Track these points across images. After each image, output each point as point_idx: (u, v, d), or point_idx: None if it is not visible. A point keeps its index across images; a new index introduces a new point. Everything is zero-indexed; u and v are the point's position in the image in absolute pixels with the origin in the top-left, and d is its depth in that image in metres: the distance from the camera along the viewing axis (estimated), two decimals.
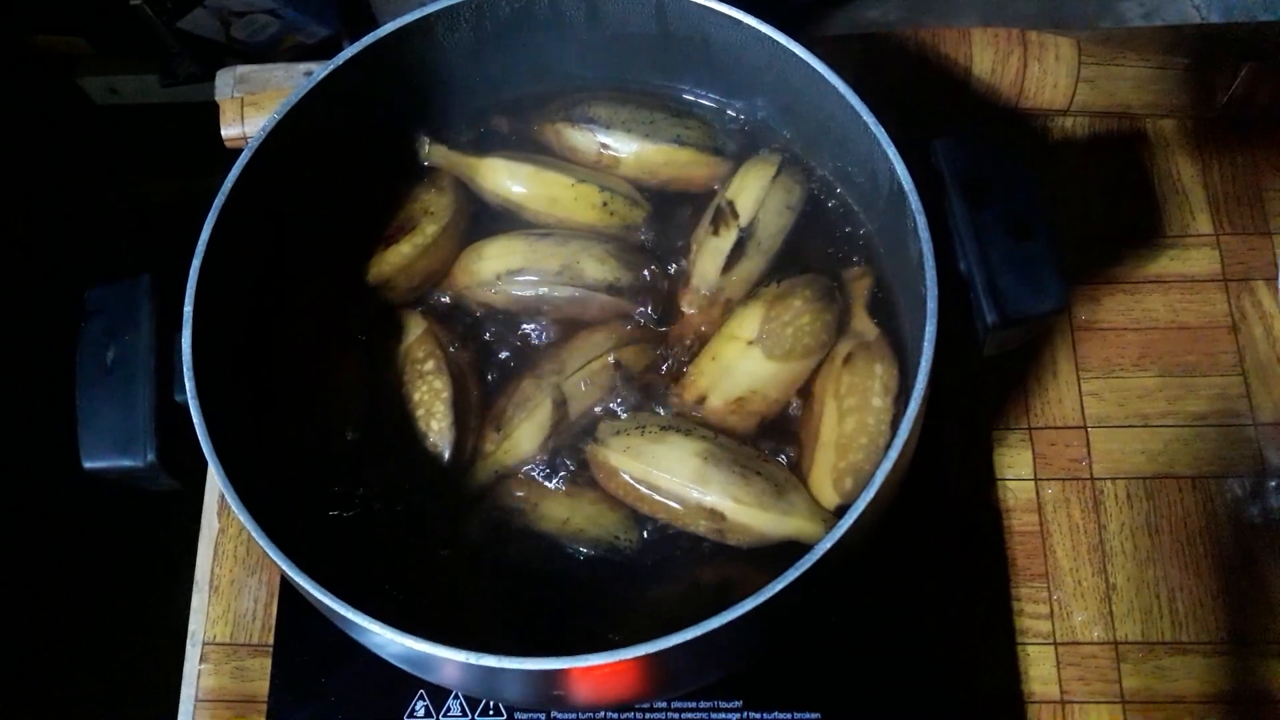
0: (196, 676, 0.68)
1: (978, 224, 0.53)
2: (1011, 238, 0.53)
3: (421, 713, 0.64)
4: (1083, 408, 0.72)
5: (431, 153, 0.67)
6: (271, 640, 0.67)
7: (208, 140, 0.80)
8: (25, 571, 1.14)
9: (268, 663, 0.67)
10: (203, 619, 0.69)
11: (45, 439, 0.71)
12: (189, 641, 0.69)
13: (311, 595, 0.48)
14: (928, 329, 0.49)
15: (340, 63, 0.58)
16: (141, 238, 1.35)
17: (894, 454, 0.47)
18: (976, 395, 0.73)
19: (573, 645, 0.46)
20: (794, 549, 0.55)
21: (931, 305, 0.49)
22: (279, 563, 0.48)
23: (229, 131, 0.78)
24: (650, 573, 0.57)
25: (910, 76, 0.77)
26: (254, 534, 0.48)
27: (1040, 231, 0.53)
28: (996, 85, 0.77)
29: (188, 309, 0.53)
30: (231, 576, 0.71)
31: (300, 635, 0.66)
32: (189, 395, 0.51)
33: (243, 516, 0.49)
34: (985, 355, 0.55)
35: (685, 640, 0.45)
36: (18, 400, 1.12)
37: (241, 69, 0.79)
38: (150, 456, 0.53)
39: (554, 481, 0.60)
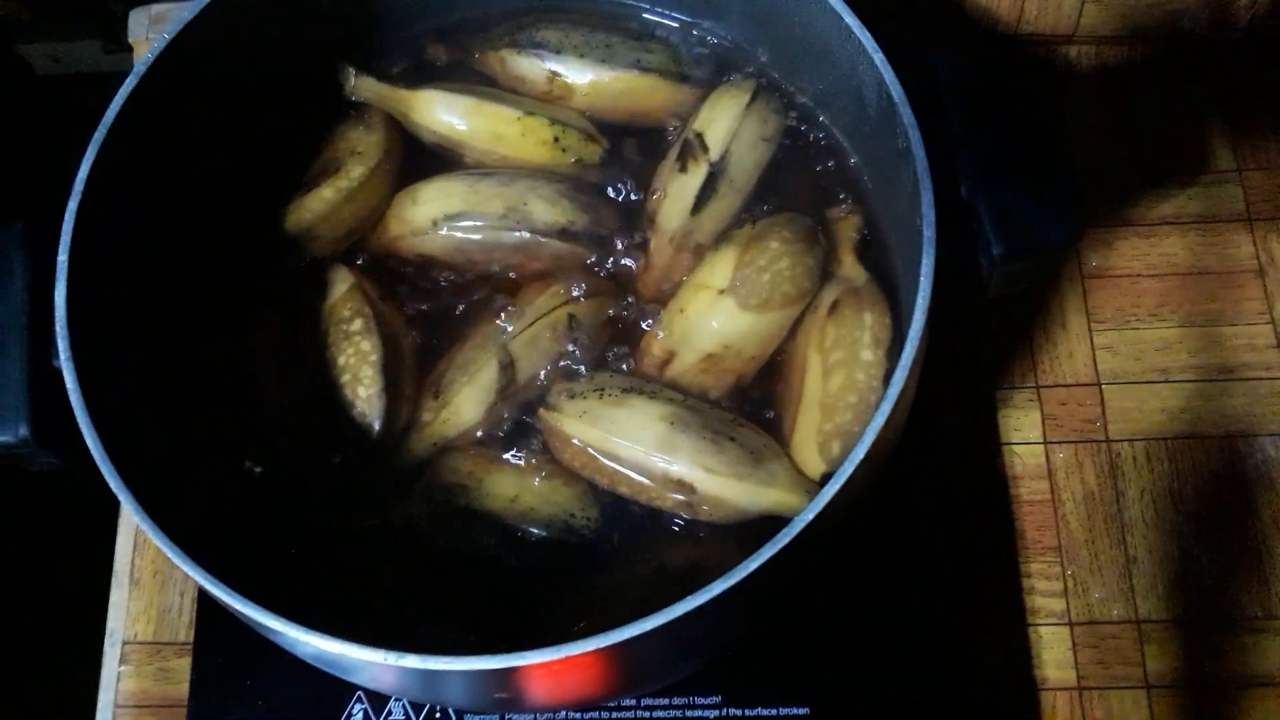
0: (116, 679, 0.64)
1: (980, 142, 0.47)
2: (1020, 156, 0.46)
3: (360, 716, 0.58)
4: (1095, 363, 0.68)
5: (358, 86, 0.62)
6: None
7: None
8: None
9: None
10: (122, 615, 0.65)
11: None
12: (107, 641, 0.65)
13: (205, 587, 0.42)
14: (924, 263, 0.43)
15: None
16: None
17: (886, 408, 0.42)
18: (978, 351, 0.68)
19: (521, 639, 0.41)
20: (775, 524, 0.49)
21: (929, 233, 0.44)
22: (163, 547, 0.42)
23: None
24: (611, 555, 0.53)
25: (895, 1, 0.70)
26: (133, 513, 0.43)
27: (1052, 150, 0.47)
28: (993, 9, 0.71)
29: (62, 258, 0.47)
30: (154, 568, 0.65)
31: (224, 632, 0.61)
32: (62, 359, 0.46)
33: (121, 493, 0.43)
34: (991, 295, 0.49)
35: (648, 629, 0.40)
36: None
37: (157, 8, 0.74)
38: (23, 430, 0.47)
39: (500, 454, 0.55)
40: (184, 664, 0.63)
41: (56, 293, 0.47)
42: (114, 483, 0.43)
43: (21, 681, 0.94)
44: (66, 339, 0.46)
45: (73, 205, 0.48)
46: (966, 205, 0.47)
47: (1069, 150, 0.48)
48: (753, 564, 0.39)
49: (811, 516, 0.40)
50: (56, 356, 0.47)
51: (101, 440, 0.44)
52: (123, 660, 0.64)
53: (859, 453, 0.41)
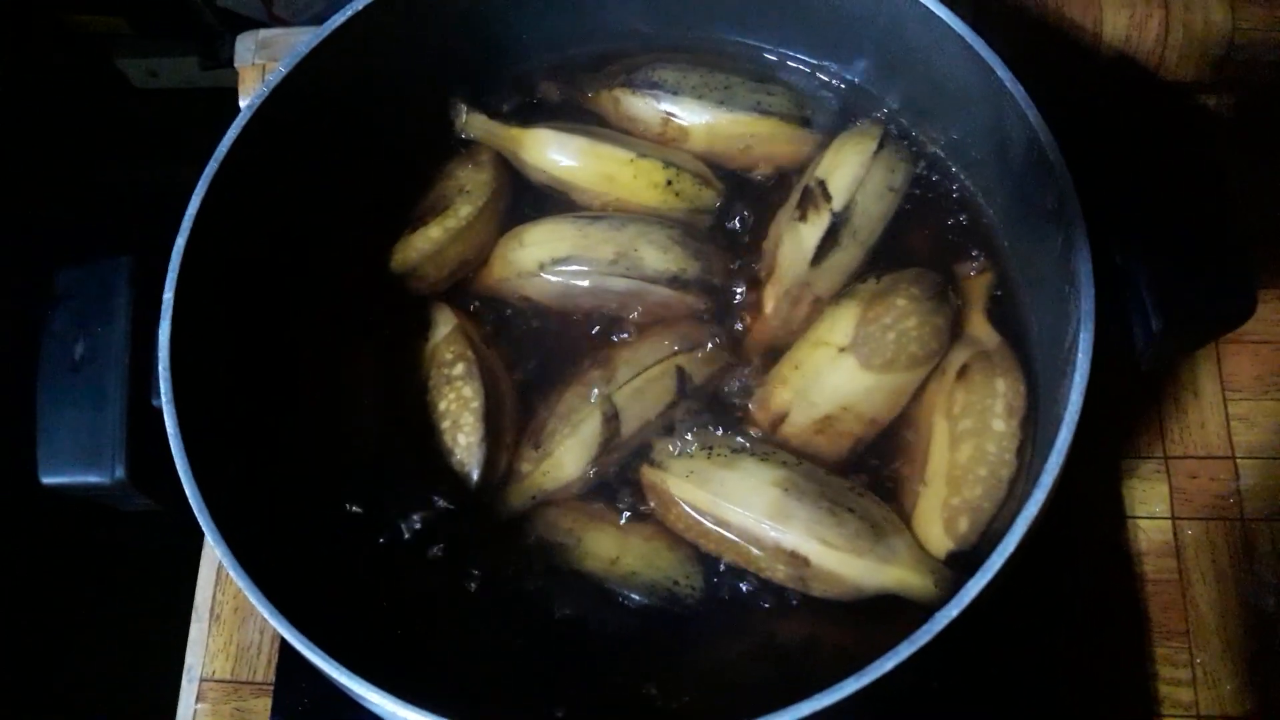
0: (192, 717, 0.62)
1: (1137, 202, 0.44)
2: (1183, 220, 0.43)
3: None
4: (1230, 434, 0.64)
5: (469, 123, 0.61)
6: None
7: None
8: None
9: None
10: (201, 652, 0.63)
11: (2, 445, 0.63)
12: (185, 677, 0.63)
13: (296, 647, 0.41)
14: (1082, 338, 0.40)
15: (359, 8, 0.52)
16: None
17: (1040, 495, 0.39)
18: (1102, 415, 0.63)
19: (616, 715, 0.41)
20: (892, 603, 0.48)
21: (1087, 306, 0.41)
22: (258, 606, 0.41)
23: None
24: (715, 627, 0.50)
25: (1028, 45, 0.68)
26: (229, 567, 0.41)
27: (1219, 214, 0.43)
28: (1131, 54, 0.68)
29: (168, 295, 0.47)
30: (235, 604, 0.64)
31: (305, 673, 0.58)
32: (164, 400, 0.45)
33: (217, 546, 0.42)
34: (1144, 370, 0.45)
35: None
36: None
37: (264, 33, 0.73)
38: (119, 472, 0.47)
39: (601, 511, 0.53)
40: (263, 704, 0.61)
41: (160, 331, 0.46)
42: (210, 533, 0.42)
43: (96, 718, 0.94)
44: (169, 379, 0.45)
45: (180, 242, 0.47)
46: (1120, 272, 0.44)
47: (1235, 214, 0.45)
48: (889, 663, 0.37)
49: (956, 613, 0.37)
50: (157, 396, 0.46)
51: (199, 485, 0.43)
52: (199, 698, 0.62)
53: (1009, 545, 0.38)
